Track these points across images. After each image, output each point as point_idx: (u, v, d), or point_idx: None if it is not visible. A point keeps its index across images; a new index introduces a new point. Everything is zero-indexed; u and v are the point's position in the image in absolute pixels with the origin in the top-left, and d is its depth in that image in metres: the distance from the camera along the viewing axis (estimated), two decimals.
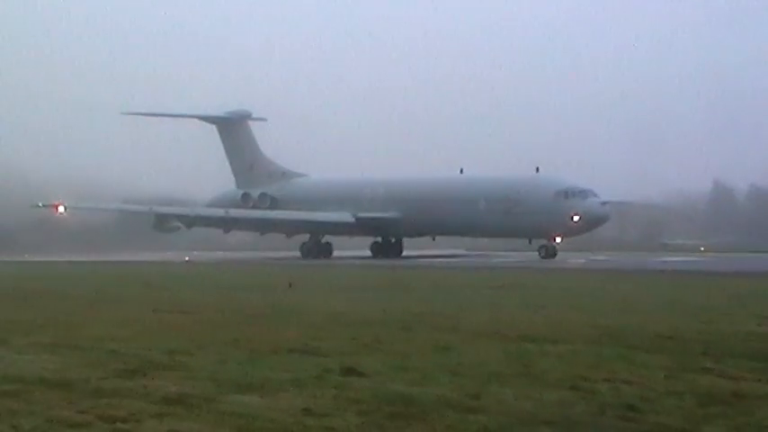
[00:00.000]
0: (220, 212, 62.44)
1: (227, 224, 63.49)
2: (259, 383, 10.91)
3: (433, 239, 64.80)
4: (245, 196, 66.87)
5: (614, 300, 23.04)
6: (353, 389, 10.57)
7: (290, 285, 27.63)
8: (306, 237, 63.32)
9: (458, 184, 60.40)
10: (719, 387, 10.61)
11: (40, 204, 59.92)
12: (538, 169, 57.26)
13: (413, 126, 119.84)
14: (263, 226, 64.25)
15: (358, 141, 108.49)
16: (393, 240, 64.78)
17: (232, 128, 70.36)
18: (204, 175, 78.91)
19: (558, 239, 55.01)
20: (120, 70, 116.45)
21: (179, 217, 62.15)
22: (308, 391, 10.44)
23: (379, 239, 64.60)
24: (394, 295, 24.79)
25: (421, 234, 63.01)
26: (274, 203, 66.24)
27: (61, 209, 59.91)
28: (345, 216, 61.66)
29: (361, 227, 62.23)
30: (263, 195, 66.66)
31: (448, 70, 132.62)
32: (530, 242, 56.92)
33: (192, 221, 62.31)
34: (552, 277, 35.32)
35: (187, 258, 57.78)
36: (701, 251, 65.51)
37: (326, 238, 63.56)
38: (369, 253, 64.31)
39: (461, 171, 61.87)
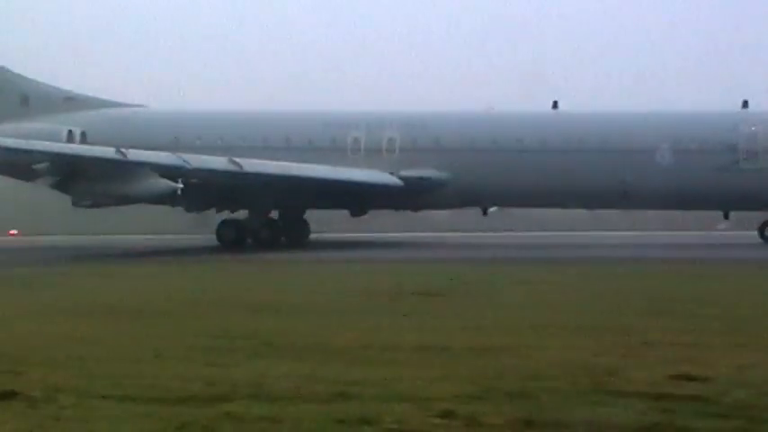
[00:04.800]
0: (223, 161, 33.62)
1: (232, 185, 34.57)
2: None
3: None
4: (71, 135, 35.54)
5: None
6: None
7: None
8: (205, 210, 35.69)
9: (595, 125, 36.12)
10: None
11: None
12: (746, 103, 35.48)
13: None
14: (260, 190, 34.51)
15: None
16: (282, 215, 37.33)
17: None
18: None
19: None
20: None
21: (167, 168, 32.25)
22: None
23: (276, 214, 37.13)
24: None
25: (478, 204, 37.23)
26: None
27: None
28: (386, 177, 35.74)
29: (400, 194, 36.17)
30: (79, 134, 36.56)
31: None
32: (726, 216, 36.87)
33: (186, 175, 32.73)
34: None
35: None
36: None
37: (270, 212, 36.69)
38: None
39: (555, 105, 36.67)
